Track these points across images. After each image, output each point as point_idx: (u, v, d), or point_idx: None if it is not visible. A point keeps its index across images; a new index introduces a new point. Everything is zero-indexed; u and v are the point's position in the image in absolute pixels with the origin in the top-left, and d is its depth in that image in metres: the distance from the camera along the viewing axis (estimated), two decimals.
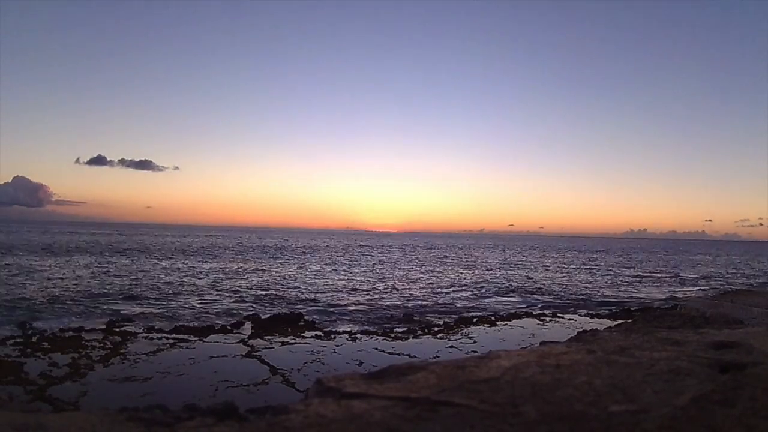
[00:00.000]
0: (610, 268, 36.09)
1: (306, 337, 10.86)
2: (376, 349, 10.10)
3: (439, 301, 17.30)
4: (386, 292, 19.36)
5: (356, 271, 29.12)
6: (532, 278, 26.90)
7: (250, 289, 19.12)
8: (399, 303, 16.58)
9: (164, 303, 15.14)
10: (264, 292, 18.18)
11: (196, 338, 10.43)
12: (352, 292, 19.05)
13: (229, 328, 11.50)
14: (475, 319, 13.76)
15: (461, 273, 29.37)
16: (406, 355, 9.47)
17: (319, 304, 15.80)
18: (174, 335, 10.57)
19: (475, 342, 10.98)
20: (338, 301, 16.61)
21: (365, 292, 19.16)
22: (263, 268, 29.15)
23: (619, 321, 12.43)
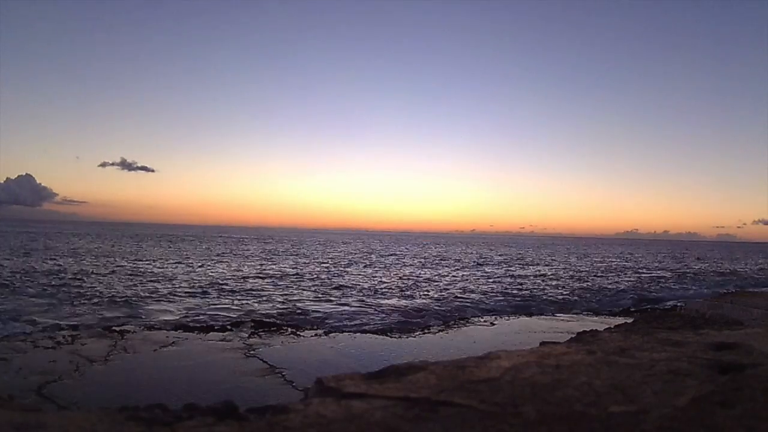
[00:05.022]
0: (602, 268, 36.13)
1: (306, 337, 10.86)
2: (376, 348, 10.10)
3: (439, 301, 17.30)
4: (386, 292, 19.36)
5: (356, 270, 29.12)
6: (529, 277, 26.91)
7: (251, 287, 19.13)
8: (399, 302, 16.59)
9: (164, 302, 15.14)
10: (264, 292, 18.18)
11: (196, 337, 10.43)
12: (352, 292, 19.05)
13: (228, 326, 11.51)
14: (474, 319, 13.77)
15: (459, 272, 29.38)
16: (406, 354, 9.47)
17: (319, 304, 15.80)
18: (173, 334, 10.58)
19: (474, 342, 10.98)
20: (338, 301, 16.61)
21: (364, 292, 19.16)
22: (264, 267, 29.16)
23: (619, 321, 12.43)
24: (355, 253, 47.89)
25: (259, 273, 25.40)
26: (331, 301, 16.61)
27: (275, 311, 14.00)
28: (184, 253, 39.84)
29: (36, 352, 8.73)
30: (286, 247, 57.61)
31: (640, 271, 35.09)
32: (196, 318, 12.71)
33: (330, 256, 41.69)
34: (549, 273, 30.57)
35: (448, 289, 20.71)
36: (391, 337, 11.22)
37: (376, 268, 30.90)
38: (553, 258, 49.02)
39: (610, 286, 23.91)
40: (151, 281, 20.07)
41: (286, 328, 11.60)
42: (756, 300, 8.50)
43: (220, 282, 20.77)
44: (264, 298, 16.56)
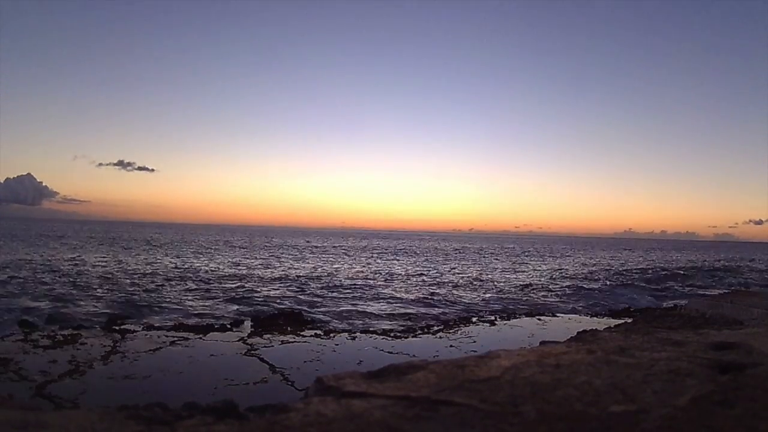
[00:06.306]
0: (602, 267, 36.11)
1: (305, 336, 10.86)
2: (376, 348, 10.10)
3: (439, 300, 17.30)
4: (384, 291, 19.36)
5: (355, 268, 29.12)
6: (525, 277, 26.91)
7: (250, 287, 19.13)
8: (398, 302, 16.59)
9: (164, 301, 15.14)
10: (264, 290, 18.18)
11: (196, 336, 10.43)
12: (351, 291, 19.05)
13: (228, 326, 11.50)
14: (474, 319, 13.76)
15: (458, 271, 29.37)
16: (406, 354, 9.47)
17: (319, 303, 15.81)
18: (173, 333, 10.57)
19: (474, 341, 10.98)
20: (338, 300, 16.61)
21: (364, 291, 19.16)
22: (263, 266, 29.15)
23: (619, 321, 12.42)
24: (356, 252, 47.91)
25: (258, 272, 25.40)
26: (331, 300, 16.61)
27: (275, 311, 13.99)
28: (184, 251, 39.84)
29: (36, 352, 8.72)
30: (284, 245, 57.62)
31: None
32: (196, 317, 12.71)
33: (330, 255, 41.71)
34: None
35: (446, 285, 20.73)
36: (391, 336, 11.22)
37: (376, 267, 30.91)
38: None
39: None
40: (151, 280, 20.07)
41: (286, 327, 11.59)
42: (756, 300, 8.49)
43: (220, 281, 20.78)
44: (264, 298, 16.56)
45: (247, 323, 11.93)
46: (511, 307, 16.44)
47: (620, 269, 35.80)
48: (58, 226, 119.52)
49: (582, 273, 31.57)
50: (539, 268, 34.59)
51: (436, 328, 12.33)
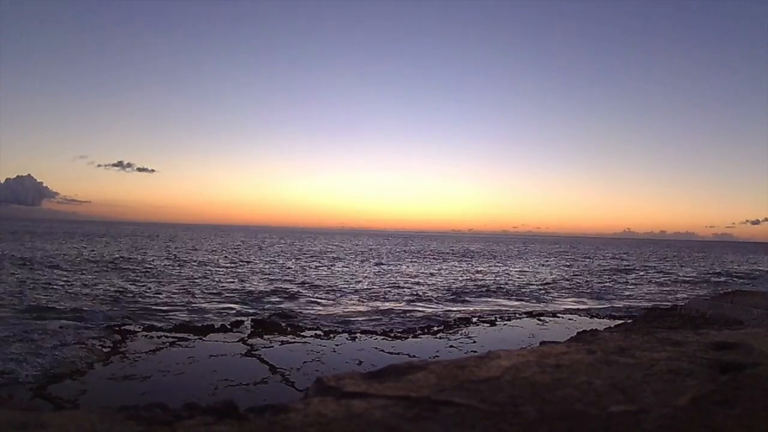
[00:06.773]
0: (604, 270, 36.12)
1: (305, 337, 10.86)
2: (376, 348, 10.10)
3: (437, 300, 17.29)
4: (384, 292, 19.35)
5: (355, 269, 29.11)
6: (525, 278, 26.90)
7: (250, 287, 19.11)
8: (398, 302, 16.58)
9: (164, 302, 15.14)
10: (264, 291, 18.17)
11: (196, 337, 10.43)
12: (351, 292, 19.04)
13: (228, 327, 11.50)
14: (474, 319, 13.76)
15: (458, 272, 29.37)
16: (406, 354, 9.47)
17: (319, 303, 15.80)
18: (173, 334, 10.57)
19: (474, 342, 10.99)
20: (337, 301, 16.60)
21: (364, 292, 19.15)
22: (263, 266, 29.13)
23: (619, 321, 12.44)
24: (355, 253, 47.92)
25: (258, 273, 25.39)
26: (331, 301, 16.61)
27: (275, 311, 13.99)
28: (183, 252, 39.82)
29: (37, 352, 8.73)
30: (284, 245, 57.62)
31: None
32: (197, 318, 12.70)
33: (329, 256, 41.70)
34: None
35: (446, 287, 20.73)
36: (391, 336, 11.22)
37: (375, 269, 30.89)
38: None
39: None
40: (150, 281, 20.06)
41: (286, 328, 11.59)
42: (756, 300, 8.50)
43: (219, 282, 20.77)
44: (264, 299, 16.56)
45: (247, 323, 11.93)
46: (511, 307, 16.43)
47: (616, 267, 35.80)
48: (58, 225, 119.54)
49: (581, 273, 31.57)
50: (539, 269, 34.60)
51: (436, 328, 12.33)
